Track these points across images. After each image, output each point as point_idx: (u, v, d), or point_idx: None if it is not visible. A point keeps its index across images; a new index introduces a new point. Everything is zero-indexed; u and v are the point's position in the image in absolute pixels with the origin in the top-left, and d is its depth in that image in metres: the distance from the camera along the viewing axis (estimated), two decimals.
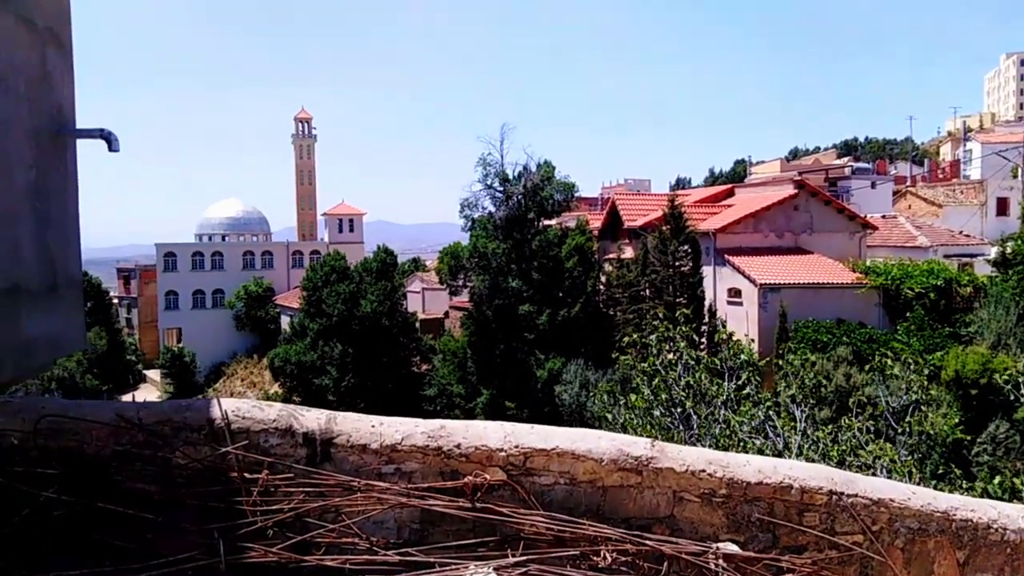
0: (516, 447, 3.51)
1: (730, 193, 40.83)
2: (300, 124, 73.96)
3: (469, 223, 36.28)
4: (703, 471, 3.74)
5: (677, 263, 29.40)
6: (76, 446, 3.00)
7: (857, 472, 6.76)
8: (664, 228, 29.89)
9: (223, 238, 65.61)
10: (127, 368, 63.44)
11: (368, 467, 3.31)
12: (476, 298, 35.48)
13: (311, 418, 3.31)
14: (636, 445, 3.70)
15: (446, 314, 48.04)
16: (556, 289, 34.54)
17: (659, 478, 3.70)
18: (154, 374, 59.53)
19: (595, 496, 3.61)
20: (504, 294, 34.33)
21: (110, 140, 6.02)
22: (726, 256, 31.87)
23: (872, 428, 7.82)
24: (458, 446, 3.43)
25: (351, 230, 67.48)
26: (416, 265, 65.62)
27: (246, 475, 3.10)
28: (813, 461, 7.06)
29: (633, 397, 6.80)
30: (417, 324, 45.41)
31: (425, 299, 51.51)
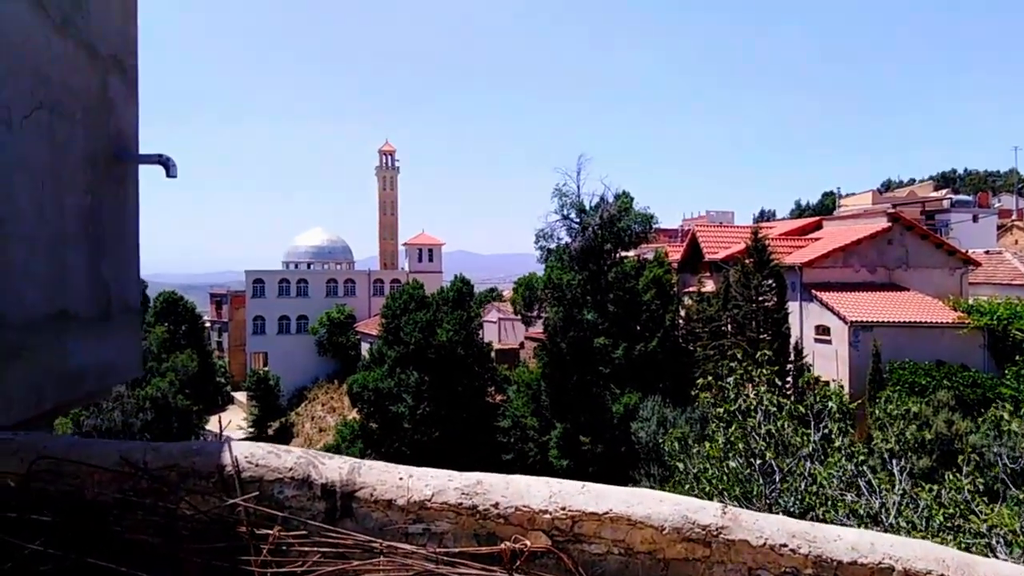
0: (563, 509, 3.07)
1: (818, 226, 39.08)
2: (384, 156, 75.98)
3: (544, 254, 35.97)
4: (784, 546, 3.19)
5: (761, 298, 28.15)
6: (75, 490, 2.76)
7: (970, 541, 5.91)
8: (747, 261, 28.75)
9: (308, 266, 67.71)
10: (216, 389, 65.87)
11: (393, 526, 2.94)
12: (551, 330, 35.00)
13: (332, 467, 2.97)
14: (704, 511, 3.20)
15: (521, 344, 47.72)
16: (633, 322, 33.68)
17: (731, 552, 3.18)
18: (241, 396, 61.55)
19: (655, 570, 3.12)
20: (579, 326, 33.71)
21: (168, 165, 5.95)
22: (814, 291, 30.35)
23: (982, 486, 6.91)
24: (496, 505, 3.02)
25: (430, 260, 68.42)
26: (493, 295, 65.81)
27: (256, 531, 2.79)
28: (913, 525, 6.26)
29: (707, 445, 6.17)
30: (492, 354, 45.22)
31: (501, 329, 51.41)
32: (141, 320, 5.78)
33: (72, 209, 4.76)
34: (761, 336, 27.81)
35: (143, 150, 5.68)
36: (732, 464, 5.84)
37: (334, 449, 41.00)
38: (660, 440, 28.48)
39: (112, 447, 2.88)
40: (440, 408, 40.47)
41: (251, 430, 55.74)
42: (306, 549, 2.81)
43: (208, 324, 74.79)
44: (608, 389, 32.55)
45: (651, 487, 27.12)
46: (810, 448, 6.18)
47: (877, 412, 7.68)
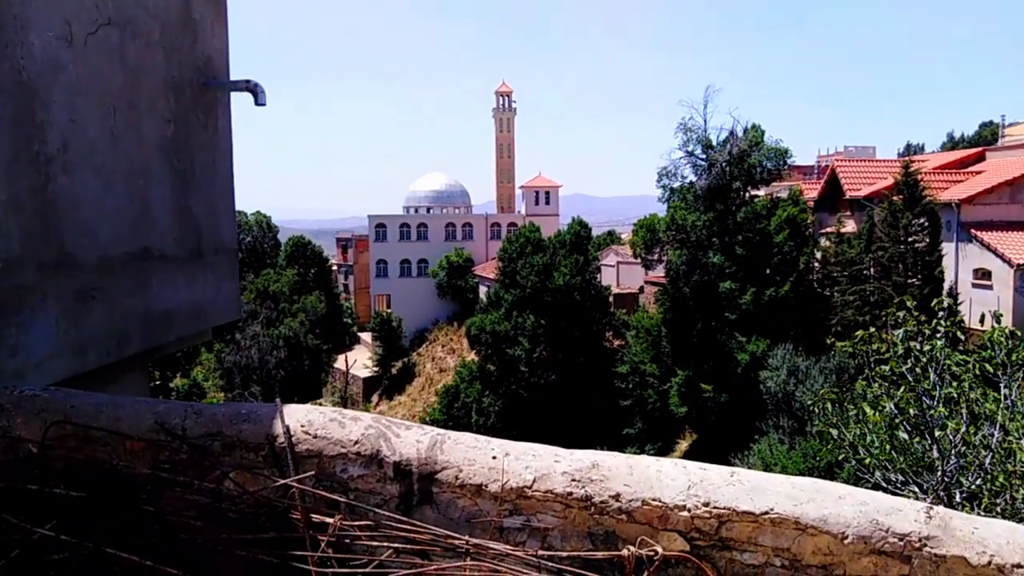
0: (706, 505, 2.32)
1: (980, 158, 34.88)
2: (501, 98, 75.05)
3: (667, 193, 34.23)
4: (1019, 567, 2.31)
5: (911, 238, 25.49)
6: (106, 458, 2.28)
7: None
8: (895, 198, 26.01)
9: (428, 210, 68.67)
10: (344, 330, 68.96)
11: (484, 517, 2.29)
12: (673, 273, 33.54)
13: (408, 441, 2.35)
14: (901, 515, 2.36)
15: (641, 289, 46.41)
16: (763, 265, 31.62)
17: (940, 571, 2.33)
18: (367, 336, 64.06)
19: None
20: (704, 270, 32.06)
21: (256, 92, 5.42)
22: (973, 231, 27.15)
23: None
24: (616, 497, 2.30)
25: (547, 203, 67.54)
26: (611, 238, 64.37)
27: (313, 518, 2.22)
28: None
29: (869, 411, 5.15)
30: (611, 298, 44.27)
31: (620, 273, 50.17)
32: (236, 259, 5.36)
33: (152, 139, 4.35)
34: (910, 281, 25.30)
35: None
36: (902, 435, 4.82)
37: (453, 390, 41.88)
38: (792, 389, 26.86)
39: (147, 407, 2.38)
40: (557, 352, 40.20)
41: (376, 369, 58.07)
42: (374, 544, 2.22)
43: (335, 267, 78.03)
44: (734, 336, 30.96)
45: (781, 440, 25.64)
46: (1001, 414, 5.05)
47: None
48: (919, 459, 4.98)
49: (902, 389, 4.98)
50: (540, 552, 2.23)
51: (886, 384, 5.71)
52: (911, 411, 4.82)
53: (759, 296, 30.62)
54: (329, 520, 2.19)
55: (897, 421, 5.02)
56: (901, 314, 6.14)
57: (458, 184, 73.77)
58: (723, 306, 31.56)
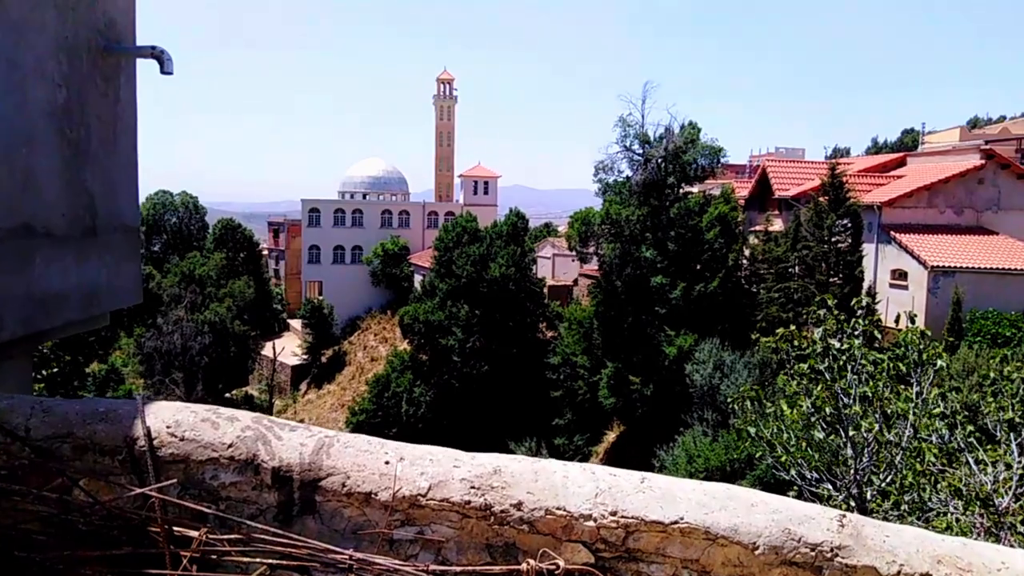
0: (613, 514, 2.17)
1: (901, 163, 36.37)
2: (442, 85, 74.25)
3: (603, 187, 34.46)
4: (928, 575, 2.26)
5: (834, 238, 26.35)
6: None
7: None
8: (821, 198, 26.83)
9: (364, 196, 67.47)
10: (273, 316, 67.15)
11: (372, 528, 2.08)
12: (606, 267, 33.82)
13: (291, 444, 2.11)
14: (813, 524, 2.27)
15: (575, 282, 46.76)
16: (693, 261, 32.21)
17: None
18: (297, 324, 62.59)
19: None
20: (636, 264, 32.44)
21: (162, 60, 4.99)
22: (892, 233, 28.30)
23: None
24: (518, 505, 2.13)
25: (486, 192, 67.30)
26: (548, 230, 64.63)
27: (175, 531, 1.97)
28: None
29: (786, 408, 5.14)
30: (545, 290, 44.44)
31: (555, 265, 50.43)
32: (139, 239, 4.94)
33: (39, 105, 3.94)
34: (832, 279, 26.16)
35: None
36: (818, 434, 4.83)
37: (384, 380, 41.31)
38: (716, 383, 27.47)
39: None
40: (490, 342, 40.14)
41: (305, 357, 56.82)
42: (246, 560, 1.99)
43: (266, 252, 75.87)
44: (663, 330, 31.46)
45: (705, 432, 26.12)
46: (912, 414, 5.13)
47: (987, 371, 6.50)
48: (833, 456, 5.02)
49: (819, 387, 5.00)
50: (432, 567, 2.04)
51: (804, 381, 5.75)
52: (827, 409, 4.84)
53: (689, 291, 31.19)
54: (193, 534, 1.94)
55: (814, 419, 5.04)
56: (822, 312, 6.21)
57: (396, 171, 72.74)
58: (654, 300, 32.03)
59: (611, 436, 34.81)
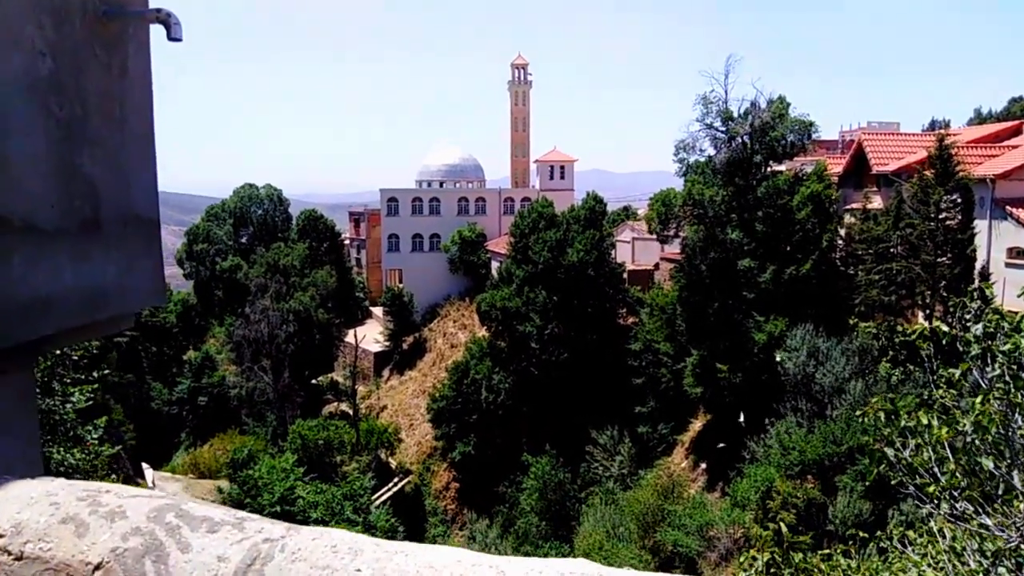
0: None
1: (1016, 132, 33.32)
2: (516, 70, 73.48)
3: (684, 167, 33.00)
4: None
5: (941, 215, 24.25)
6: None
7: None
8: (927, 172, 24.72)
9: (441, 184, 67.64)
10: (356, 304, 68.41)
11: None
12: (689, 250, 32.45)
13: (202, 559, 1.38)
14: None
15: (656, 266, 45.34)
16: (784, 242, 30.46)
17: None
18: (379, 311, 63.50)
19: None
20: (721, 246, 30.95)
21: (168, 24, 4.42)
22: (1008, 208, 25.85)
23: None
24: None
25: (562, 177, 66.28)
26: (627, 214, 63.15)
27: None
28: None
29: (935, 427, 4.11)
30: (625, 275, 43.29)
31: (635, 249, 49.07)
32: (157, 233, 4.36)
33: (14, 77, 3.44)
34: (939, 260, 24.12)
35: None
36: (987, 463, 3.86)
37: (463, 367, 41.19)
38: (811, 371, 25.88)
39: None
40: (569, 329, 39.39)
41: (387, 344, 57.55)
42: None
43: (348, 242, 77.33)
44: (751, 316, 29.92)
45: (799, 423, 24.63)
46: None
47: None
48: (994, 484, 4.05)
49: (979, 399, 4.01)
50: None
51: (953, 393, 4.72)
52: (993, 430, 3.87)
53: (779, 274, 29.53)
54: None
55: (973, 442, 4.06)
56: (975, 304, 5.12)
57: (472, 158, 72.61)
58: (741, 284, 30.51)
59: (696, 425, 33.56)
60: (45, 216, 3.42)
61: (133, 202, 4.18)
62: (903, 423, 4.78)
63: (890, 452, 4.51)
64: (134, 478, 23.72)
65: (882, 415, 4.64)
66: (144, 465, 31.04)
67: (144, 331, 31.42)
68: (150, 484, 28.99)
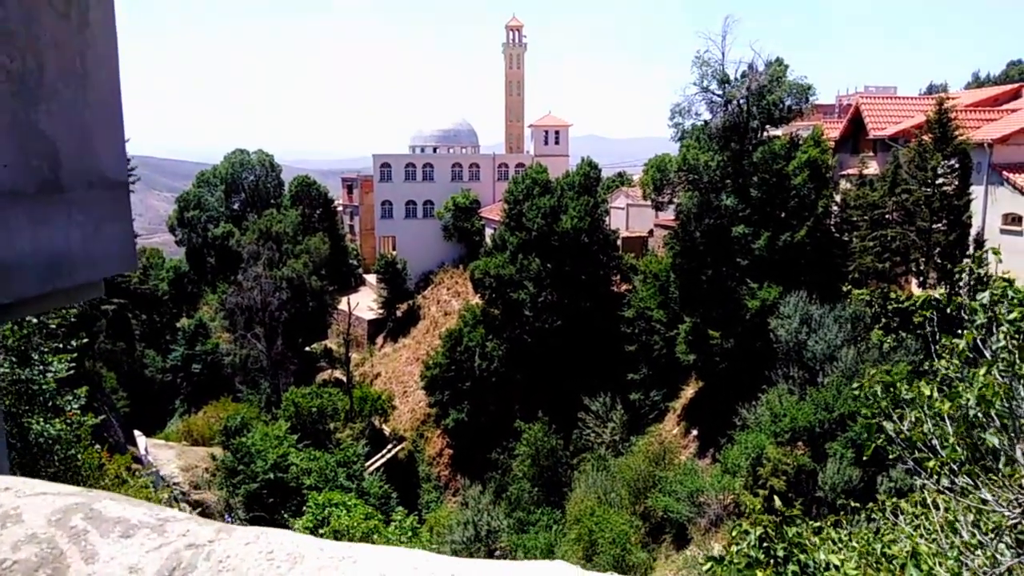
0: None
1: (1015, 95, 32.86)
2: (511, 32, 72.17)
3: (680, 132, 32.51)
4: None
5: (939, 181, 23.95)
6: None
7: None
8: (925, 137, 24.36)
9: (434, 150, 66.84)
10: (349, 272, 68.04)
11: None
12: (683, 216, 32.14)
13: (109, 570, 1.21)
14: None
15: (650, 232, 45.06)
16: (779, 209, 30.19)
17: None
18: (372, 279, 63.20)
19: None
20: (716, 213, 30.65)
21: None
22: (1005, 173, 25.57)
23: None
24: None
25: (557, 143, 65.56)
26: (622, 180, 62.62)
27: None
28: None
29: (937, 399, 3.88)
30: (619, 242, 43.02)
31: (629, 216, 48.71)
32: (127, 196, 4.03)
33: None
34: (935, 226, 23.89)
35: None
36: (992, 439, 3.64)
37: (456, 334, 41.09)
38: (803, 338, 25.79)
39: None
40: (563, 296, 39.23)
41: (381, 312, 57.39)
42: None
43: (341, 208, 76.63)
44: (745, 282, 29.75)
45: (790, 390, 24.62)
46: None
47: None
48: (993, 457, 3.86)
49: (986, 371, 3.78)
50: None
51: (956, 364, 4.50)
52: (997, 403, 3.65)
53: (773, 241, 29.30)
54: None
55: (976, 416, 3.84)
56: (982, 271, 4.86)
57: (465, 123, 71.69)
58: (735, 251, 30.28)
59: (689, 392, 33.61)
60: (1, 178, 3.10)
61: (98, 163, 3.84)
62: (903, 394, 4.58)
63: (889, 426, 4.31)
64: (124, 445, 23.65)
65: (879, 387, 4.43)
66: (136, 433, 31.01)
67: (134, 299, 31.12)
68: (142, 451, 28.99)
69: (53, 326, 10.91)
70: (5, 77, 3.28)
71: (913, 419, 4.20)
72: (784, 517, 4.70)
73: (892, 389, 4.38)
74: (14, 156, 3.26)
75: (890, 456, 4.50)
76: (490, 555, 27.74)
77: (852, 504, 7.90)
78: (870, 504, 7.03)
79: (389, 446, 43.88)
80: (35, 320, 10.27)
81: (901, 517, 6.16)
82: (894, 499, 6.78)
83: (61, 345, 11.02)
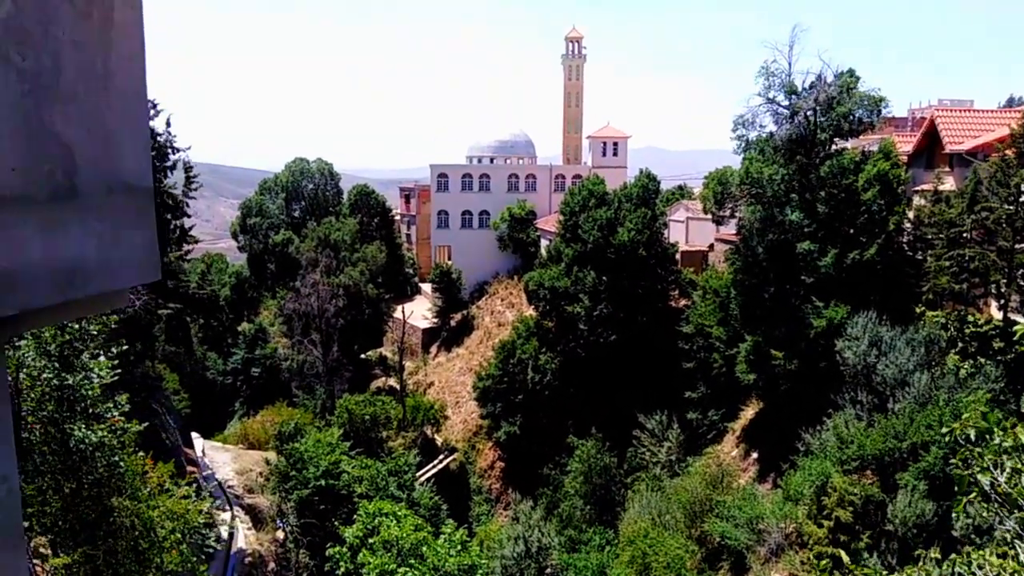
0: None
1: None
2: (570, 44, 71.93)
3: (743, 144, 31.57)
4: None
5: (1022, 198, 22.55)
6: None
7: None
8: (1008, 152, 23.00)
9: (491, 160, 66.96)
10: (405, 280, 68.61)
11: None
12: (745, 231, 31.16)
13: None
14: None
15: (711, 247, 43.99)
16: (847, 225, 28.97)
17: None
18: (427, 287, 63.56)
19: None
20: (780, 228, 29.59)
21: None
22: None
23: None
24: None
25: (615, 154, 64.86)
26: (682, 193, 61.56)
27: None
28: None
29: None
30: (678, 256, 42.15)
31: (689, 229, 47.71)
32: (150, 202, 3.82)
33: None
34: (1018, 246, 22.48)
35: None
36: None
37: (510, 346, 40.80)
38: (872, 361, 24.59)
39: None
40: (618, 310, 38.57)
41: (435, 321, 57.62)
42: None
43: (398, 217, 77.44)
44: (810, 301, 28.61)
45: (858, 416, 23.44)
46: None
47: None
48: None
49: None
50: None
51: None
52: None
53: (841, 258, 28.10)
54: None
55: None
56: None
57: (523, 134, 71.68)
58: (799, 268, 29.16)
59: (749, 413, 32.50)
60: (4, 181, 2.89)
61: (119, 168, 3.61)
62: (999, 440, 4.04)
63: (984, 479, 3.78)
64: (180, 447, 24.06)
65: (971, 432, 3.91)
66: (194, 434, 31.64)
67: (192, 303, 31.94)
68: (199, 453, 29.52)
69: (94, 332, 10.93)
70: (16, 76, 3.05)
71: (1011, 471, 3.67)
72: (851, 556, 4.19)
73: (988, 436, 3.85)
74: (24, 159, 3.03)
75: (985, 514, 3.96)
76: (540, 573, 27.22)
77: (933, 555, 7.27)
78: (952, 556, 6.45)
79: (441, 456, 43.81)
80: (76, 326, 10.33)
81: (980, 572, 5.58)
82: (980, 552, 6.19)
83: (100, 351, 11.05)
